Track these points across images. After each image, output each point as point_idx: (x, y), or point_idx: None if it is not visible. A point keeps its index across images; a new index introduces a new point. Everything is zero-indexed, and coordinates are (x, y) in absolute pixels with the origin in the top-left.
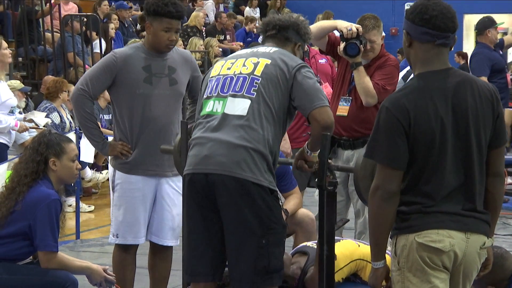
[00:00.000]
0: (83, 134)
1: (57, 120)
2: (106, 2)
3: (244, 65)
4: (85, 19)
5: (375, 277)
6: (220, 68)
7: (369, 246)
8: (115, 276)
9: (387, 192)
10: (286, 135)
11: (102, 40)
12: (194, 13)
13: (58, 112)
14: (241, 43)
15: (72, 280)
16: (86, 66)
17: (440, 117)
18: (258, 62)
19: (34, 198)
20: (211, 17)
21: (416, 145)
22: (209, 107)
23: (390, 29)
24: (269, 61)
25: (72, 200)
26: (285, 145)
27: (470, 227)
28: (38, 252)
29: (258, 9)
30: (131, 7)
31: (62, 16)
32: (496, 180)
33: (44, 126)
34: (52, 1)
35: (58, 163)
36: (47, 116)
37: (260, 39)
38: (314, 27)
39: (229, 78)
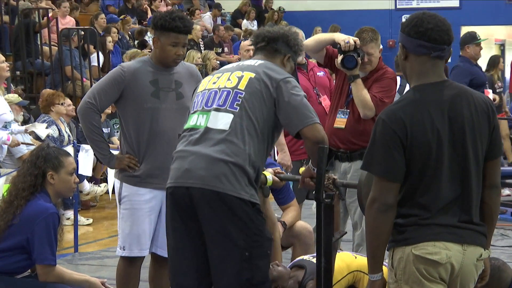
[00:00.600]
0: (81, 148)
1: (55, 133)
2: (103, 16)
3: (228, 79)
4: (82, 33)
5: None
6: (207, 82)
7: (366, 258)
8: None
9: (383, 204)
10: (285, 148)
11: (100, 54)
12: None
13: (56, 125)
14: (239, 56)
15: None
16: (84, 79)
17: (436, 129)
18: (242, 76)
19: (32, 212)
20: (209, 30)
21: (412, 158)
22: (193, 120)
23: (388, 41)
24: (253, 75)
25: (70, 213)
26: (285, 157)
27: (467, 239)
28: (36, 265)
29: (255, 22)
30: (125, 19)
31: (59, 29)
32: (492, 192)
33: (46, 137)
34: (50, 15)
35: (56, 177)
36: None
37: None
38: (312, 40)
39: (213, 92)
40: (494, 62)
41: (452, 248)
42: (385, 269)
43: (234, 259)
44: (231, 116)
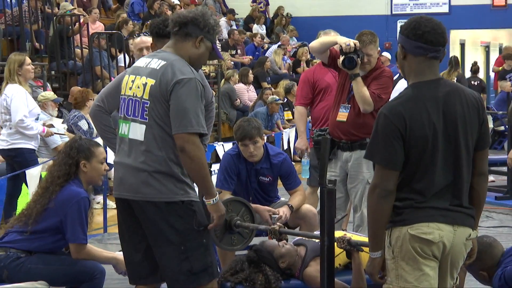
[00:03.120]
0: None
1: (85, 126)
2: (131, 22)
3: (138, 87)
4: (110, 36)
5: (373, 266)
6: (125, 85)
7: (360, 237)
8: None
9: (384, 190)
10: (304, 135)
11: (126, 55)
12: None
13: (85, 119)
14: (251, 57)
15: (100, 269)
16: (112, 78)
17: (432, 123)
18: (145, 84)
19: (66, 197)
20: (224, 34)
21: (410, 149)
22: (121, 128)
23: (384, 43)
24: (153, 82)
25: (100, 198)
26: (301, 142)
27: (457, 220)
28: (69, 244)
29: (264, 26)
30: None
31: (90, 33)
32: (481, 179)
33: (65, 130)
34: (81, 21)
35: (88, 165)
36: (74, 123)
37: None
38: (317, 42)
39: (130, 101)
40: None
41: (444, 229)
42: None
43: (172, 255)
44: (143, 126)
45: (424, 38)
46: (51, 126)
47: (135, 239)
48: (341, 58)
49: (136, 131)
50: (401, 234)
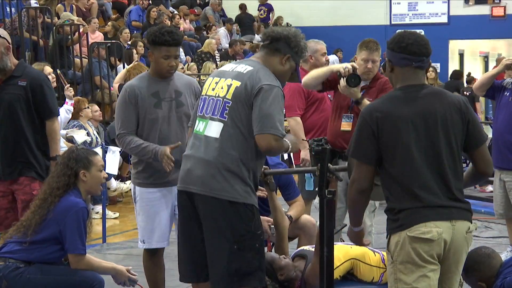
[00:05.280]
0: (108, 149)
1: (81, 139)
2: (127, 31)
3: (221, 87)
4: (109, 46)
5: (357, 237)
6: (208, 87)
7: (361, 248)
8: (148, 278)
9: (360, 185)
10: (307, 145)
11: (126, 64)
12: (207, 41)
13: (84, 129)
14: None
15: (99, 279)
16: (111, 88)
17: (410, 120)
18: (230, 85)
19: (64, 207)
20: (224, 44)
21: (385, 144)
22: (197, 126)
23: (383, 53)
24: (239, 84)
25: (99, 208)
26: (308, 154)
27: (454, 215)
28: (68, 254)
29: None
30: None
31: (89, 43)
32: (481, 177)
33: (81, 144)
34: (81, 31)
35: (88, 174)
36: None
37: None
38: (310, 78)
39: (211, 100)
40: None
41: (441, 225)
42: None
43: (224, 253)
44: (221, 125)
45: (408, 49)
46: (72, 138)
47: (195, 235)
48: (343, 80)
49: (212, 128)
50: (400, 238)
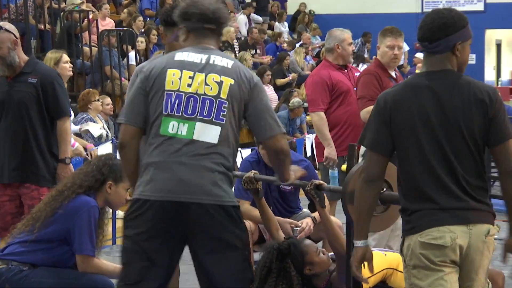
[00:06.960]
0: None
1: (96, 132)
2: (141, 18)
3: (206, 84)
4: (121, 34)
5: (354, 255)
6: (178, 81)
7: (395, 253)
8: None
9: (369, 175)
10: (332, 142)
11: (138, 54)
12: (225, 28)
13: (94, 122)
14: (271, 57)
15: (109, 284)
16: (123, 79)
17: (425, 111)
18: (221, 82)
19: (76, 205)
20: (243, 31)
21: (396, 133)
22: (171, 128)
23: (414, 43)
24: (232, 81)
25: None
26: (332, 152)
27: (471, 219)
28: (76, 256)
29: (286, 23)
30: None
31: (99, 31)
32: (506, 177)
33: (98, 137)
34: (90, 17)
35: (114, 188)
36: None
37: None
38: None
39: (192, 99)
40: None
41: (456, 230)
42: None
43: (237, 260)
44: (218, 128)
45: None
46: (87, 131)
47: (168, 248)
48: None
49: (205, 132)
50: (411, 242)
